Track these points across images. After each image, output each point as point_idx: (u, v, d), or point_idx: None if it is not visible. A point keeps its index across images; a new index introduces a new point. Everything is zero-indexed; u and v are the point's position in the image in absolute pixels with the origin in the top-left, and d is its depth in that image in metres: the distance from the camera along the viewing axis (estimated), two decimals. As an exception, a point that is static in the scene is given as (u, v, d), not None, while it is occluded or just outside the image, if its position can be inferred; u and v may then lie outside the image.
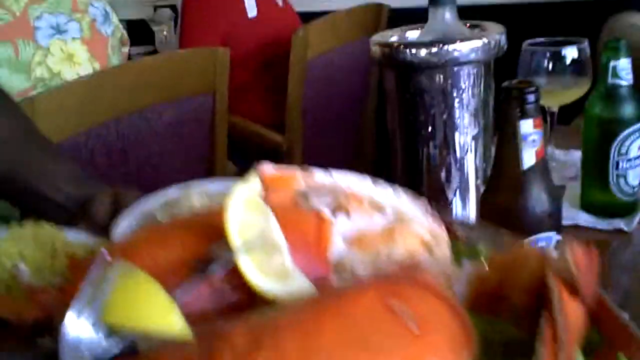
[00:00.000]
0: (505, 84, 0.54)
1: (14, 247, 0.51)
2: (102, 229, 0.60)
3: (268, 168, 0.45)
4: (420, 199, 0.47)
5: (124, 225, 0.54)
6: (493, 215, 0.56)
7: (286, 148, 1.74)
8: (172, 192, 0.57)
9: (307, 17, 1.94)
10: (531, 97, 0.52)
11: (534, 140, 0.53)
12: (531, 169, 0.53)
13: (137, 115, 1.24)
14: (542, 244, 0.54)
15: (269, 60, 1.90)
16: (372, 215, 0.43)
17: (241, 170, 1.69)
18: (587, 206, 0.82)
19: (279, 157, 1.79)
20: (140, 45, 2.61)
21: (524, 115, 0.52)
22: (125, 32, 1.68)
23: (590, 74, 0.89)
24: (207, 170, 1.46)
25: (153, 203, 0.56)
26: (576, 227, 0.81)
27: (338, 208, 0.43)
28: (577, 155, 0.97)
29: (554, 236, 0.55)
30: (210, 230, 0.39)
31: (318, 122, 1.81)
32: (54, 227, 0.56)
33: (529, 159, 0.53)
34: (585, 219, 0.80)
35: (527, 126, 0.52)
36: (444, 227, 0.45)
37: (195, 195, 0.54)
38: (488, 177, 0.58)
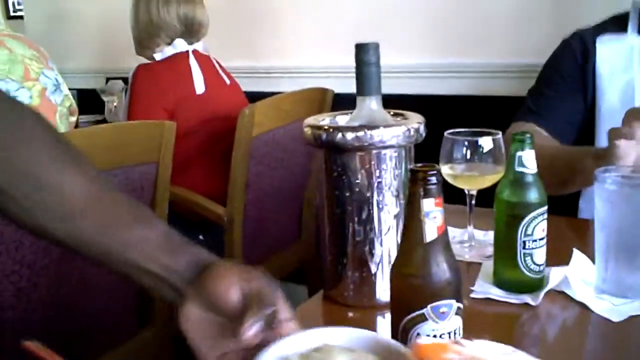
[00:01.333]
0: (411, 166, 0.61)
1: None
2: (232, 318, 0.57)
3: (424, 339, 0.51)
4: None
5: None
6: (400, 283, 0.62)
7: (227, 220, 1.77)
8: (308, 339, 0.57)
9: (254, 96, 2.03)
10: (433, 179, 0.59)
11: (435, 217, 0.59)
12: (433, 242, 0.60)
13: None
14: (443, 310, 0.60)
15: (215, 135, 1.96)
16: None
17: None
18: (499, 282, 0.88)
19: (219, 229, 1.82)
20: (90, 114, 2.65)
21: (427, 194, 0.59)
22: (74, 102, 1.73)
23: (504, 162, 0.98)
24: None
25: (290, 350, 0.55)
26: (489, 300, 0.87)
27: None
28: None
29: (454, 303, 0.61)
30: None
31: (260, 197, 1.86)
32: None
33: (430, 233, 0.59)
34: (497, 293, 0.87)
35: (429, 204, 0.59)
36: None
37: (337, 353, 0.54)
38: (398, 249, 0.64)
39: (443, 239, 0.60)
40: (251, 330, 0.55)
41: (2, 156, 0.61)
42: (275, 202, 1.94)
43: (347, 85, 2.02)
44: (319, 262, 0.86)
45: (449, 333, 0.61)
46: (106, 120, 2.58)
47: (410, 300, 0.60)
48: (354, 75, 0.81)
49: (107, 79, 2.75)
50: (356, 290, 0.83)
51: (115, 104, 2.58)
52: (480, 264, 0.98)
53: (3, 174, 0.61)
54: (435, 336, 0.60)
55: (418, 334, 0.60)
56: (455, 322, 0.61)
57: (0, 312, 1.14)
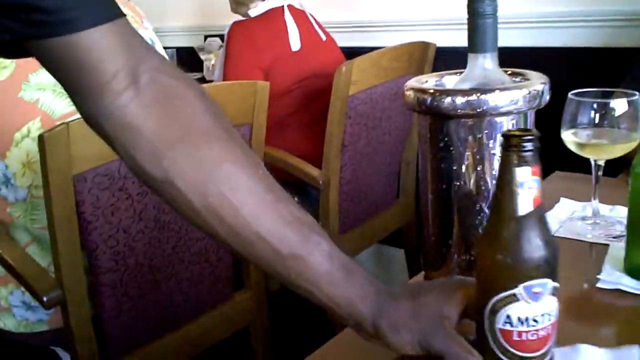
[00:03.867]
0: (505, 131, 0.54)
1: None
2: None
3: None
4: None
5: None
6: (489, 260, 0.55)
7: (323, 182, 1.72)
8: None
9: (350, 52, 1.94)
10: (529, 145, 0.52)
11: (530, 188, 0.53)
12: (527, 215, 0.53)
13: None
14: (536, 289, 0.54)
15: (310, 94, 1.89)
16: None
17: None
18: (631, 270, 0.76)
19: (315, 190, 1.77)
20: (189, 72, 2.66)
21: (521, 162, 0.53)
22: (169, 62, 1.70)
23: (640, 128, 0.84)
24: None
25: None
26: (619, 292, 0.75)
27: None
28: (623, 212, 0.92)
29: (549, 282, 0.54)
30: None
31: (357, 158, 1.78)
32: None
33: (525, 205, 0.53)
34: (629, 284, 0.75)
35: (523, 174, 0.53)
36: None
37: None
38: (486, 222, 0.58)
39: (538, 212, 0.54)
40: None
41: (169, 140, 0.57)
42: (372, 164, 1.86)
43: (451, 39, 1.89)
44: (417, 225, 0.79)
45: (543, 315, 0.55)
46: (204, 78, 2.58)
47: (500, 279, 0.54)
48: (460, 27, 0.71)
49: (205, 37, 2.74)
50: (462, 275, 0.74)
51: (212, 62, 2.57)
52: (606, 245, 0.86)
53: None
54: (527, 318, 0.54)
55: (508, 316, 0.54)
56: (550, 304, 0.55)
57: (98, 275, 1.15)
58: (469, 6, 0.69)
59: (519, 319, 0.54)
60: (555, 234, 0.89)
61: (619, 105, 0.84)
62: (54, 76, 0.58)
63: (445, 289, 0.61)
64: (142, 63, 0.57)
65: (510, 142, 0.53)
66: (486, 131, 0.69)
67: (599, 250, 0.85)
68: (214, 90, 1.39)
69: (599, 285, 0.76)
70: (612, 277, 0.76)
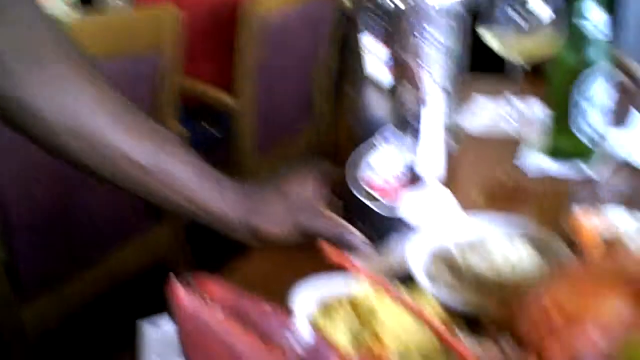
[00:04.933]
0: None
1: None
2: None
3: None
4: None
5: None
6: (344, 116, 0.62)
7: (237, 110, 1.69)
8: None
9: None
10: (369, 15, 0.58)
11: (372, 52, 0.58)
12: (369, 76, 0.59)
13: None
14: (388, 134, 0.60)
15: (219, 21, 1.83)
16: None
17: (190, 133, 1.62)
18: (551, 151, 0.81)
19: (229, 119, 1.74)
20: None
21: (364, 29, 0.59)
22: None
23: (564, 31, 0.87)
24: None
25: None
26: (535, 177, 0.80)
27: None
28: (536, 106, 0.97)
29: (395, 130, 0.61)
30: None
31: (270, 84, 1.76)
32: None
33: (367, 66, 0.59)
34: (555, 169, 0.79)
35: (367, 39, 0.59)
36: None
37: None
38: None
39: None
40: None
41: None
42: (288, 87, 1.85)
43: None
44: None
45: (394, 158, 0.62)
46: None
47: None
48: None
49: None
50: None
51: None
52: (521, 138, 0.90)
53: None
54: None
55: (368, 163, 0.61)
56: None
57: (5, 213, 1.08)
58: None
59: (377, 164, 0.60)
60: (474, 130, 0.92)
61: (541, 7, 0.87)
62: None
63: (308, 176, 0.63)
64: None
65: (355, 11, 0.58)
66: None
67: (515, 142, 0.89)
68: (123, 18, 1.32)
69: (519, 165, 0.80)
70: (530, 159, 0.81)
